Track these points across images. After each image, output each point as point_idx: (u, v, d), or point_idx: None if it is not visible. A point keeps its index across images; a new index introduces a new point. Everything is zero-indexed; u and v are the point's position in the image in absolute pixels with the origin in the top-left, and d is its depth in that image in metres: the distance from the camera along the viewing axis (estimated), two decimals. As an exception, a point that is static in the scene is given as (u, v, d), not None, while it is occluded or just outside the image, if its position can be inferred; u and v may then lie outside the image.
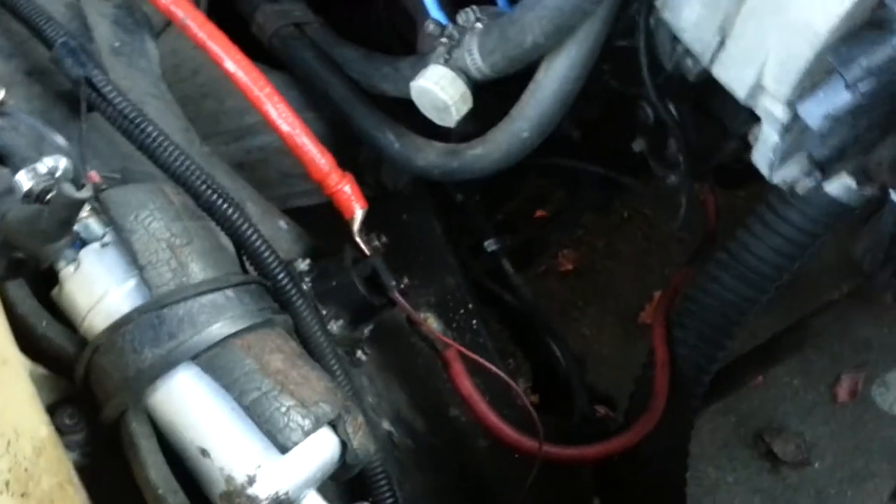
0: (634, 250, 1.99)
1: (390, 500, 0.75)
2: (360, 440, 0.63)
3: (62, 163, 0.64)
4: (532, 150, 0.98)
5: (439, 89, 0.93)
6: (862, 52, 0.69)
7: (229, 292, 0.64)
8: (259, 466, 0.59)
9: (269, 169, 1.11)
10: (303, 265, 0.92)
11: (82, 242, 0.64)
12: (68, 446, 0.60)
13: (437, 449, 1.02)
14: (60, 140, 0.68)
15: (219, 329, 0.61)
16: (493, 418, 1.02)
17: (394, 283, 0.91)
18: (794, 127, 0.78)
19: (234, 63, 0.92)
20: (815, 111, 0.72)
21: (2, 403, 0.55)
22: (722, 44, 0.79)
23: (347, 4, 1.23)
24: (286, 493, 0.59)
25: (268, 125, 0.94)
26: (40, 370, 0.61)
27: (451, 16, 0.95)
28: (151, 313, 0.60)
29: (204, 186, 0.74)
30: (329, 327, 0.89)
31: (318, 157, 0.94)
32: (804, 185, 0.83)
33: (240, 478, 0.58)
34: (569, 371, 1.27)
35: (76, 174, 0.64)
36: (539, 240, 1.68)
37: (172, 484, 0.58)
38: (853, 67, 0.69)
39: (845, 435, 1.77)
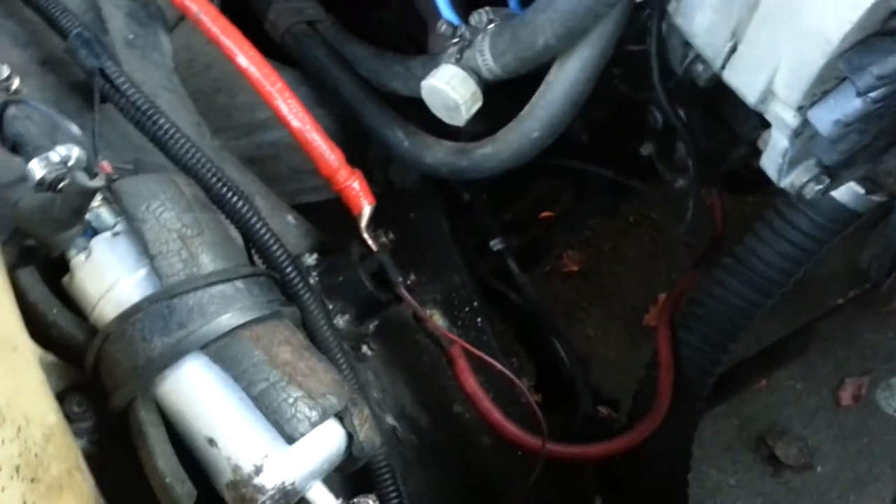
0: (640, 254, 1.99)
1: (394, 494, 0.75)
2: (366, 433, 0.64)
3: (75, 152, 0.64)
4: (541, 151, 0.98)
5: (450, 88, 0.93)
6: (873, 59, 0.69)
7: (239, 283, 0.64)
8: (266, 456, 0.59)
9: (279, 164, 1.12)
10: (310, 260, 0.92)
11: (94, 231, 0.65)
12: (76, 434, 0.60)
13: (440, 445, 1.02)
14: (74, 129, 0.68)
15: (228, 320, 0.62)
16: (496, 415, 1.02)
17: (400, 279, 0.91)
18: (803, 133, 0.78)
19: (246, 58, 0.93)
20: (826, 117, 0.73)
21: (12, 390, 0.55)
22: (734, 49, 0.79)
23: (358, 3, 1.24)
24: (292, 484, 0.59)
25: (278, 121, 0.94)
26: (50, 357, 0.62)
27: (463, 16, 0.96)
28: (162, 303, 0.61)
29: (214, 179, 0.74)
30: (335, 322, 0.90)
31: (327, 153, 0.95)
32: (812, 191, 0.83)
33: (247, 467, 0.59)
34: (573, 371, 1.27)
35: (89, 163, 0.65)
36: (545, 240, 1.68)
37: (180, 473, 0.59)
38: (864, 75, 0.69)
39: (848, 439, 1.77)
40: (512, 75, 0.93)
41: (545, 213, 1.63)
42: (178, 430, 0.62)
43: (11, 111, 0.67)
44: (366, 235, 0.94)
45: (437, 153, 1.05)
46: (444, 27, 0.96)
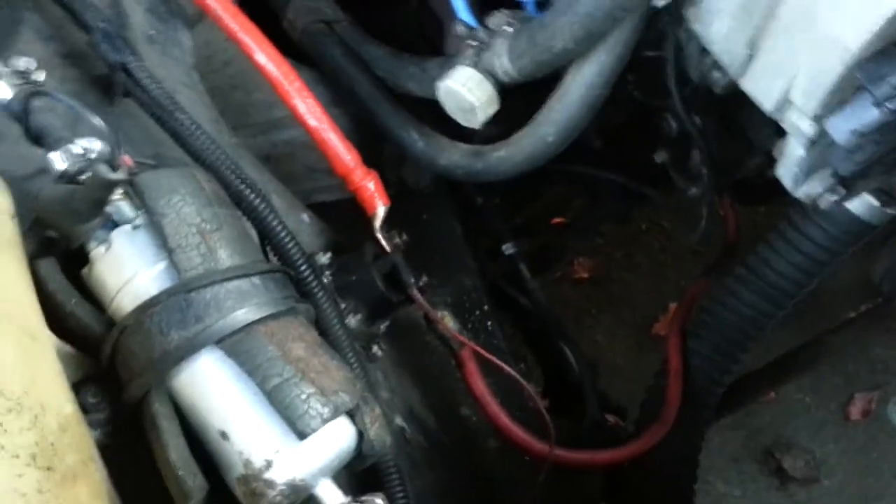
0: (651, 262, 1.99)
1: (401, 494, 0.75)
2: (376, 431, 0.64)
3: (97, 144, 0.65)
4: (555, 156, 0.98)
5: (466, 91, 0.94)
6: (892, 70, 0.69)
7: (255, 279, 0.64)
8: (277, 451, 0.59)
9: (295, 163, 1.12)
10: (324, 259, 0.92)
11: (114, 224, 0.65)
12: (91, 424, 0.60)
13: (447, 447, 1.02)
14: (97, 121, 0.68)
15: (244, 315, 0.62)
16: (504, 419, 1.02)
17: (413, 280, 0.92)
18: (820, 142, 0.78)
19: (265, 56, 0.93)
20: (843, 127, 0.73)
21: (30, 378, 0.56)
22: (751, 57, 0.79)
23: (375, 4, 1.24)
24: (302, 479, 0.59)
25: (295, 120, 0.95)
26: (67, 348, 0.62)
27: (479, 18, 0.96)
28: (179, 296, 0.61)
29: (233, 176, 0.75)
30: (347, 321, 0.90)
31: (343, 152, 0.95)
32: (827, 201, 0.83)
33: (258, 462, 0.59)
34: (581, 376, 1.27)
35: (111, 156, 0.65)
36: (557, 246, 1.68)
37: (192, 466, 0.59)
38: (882, 85, 0.69)
39: (856, 453, 1.76)
40: (528, 78, 0.93)
41: (557, 220, 1.63)
42: (191, 423, 0.62)
43: (36, 103, 0.68)
44: (380, 236, 0.94)
45: (452, 155, 1.05)
46: (460, 29, 0.97)
